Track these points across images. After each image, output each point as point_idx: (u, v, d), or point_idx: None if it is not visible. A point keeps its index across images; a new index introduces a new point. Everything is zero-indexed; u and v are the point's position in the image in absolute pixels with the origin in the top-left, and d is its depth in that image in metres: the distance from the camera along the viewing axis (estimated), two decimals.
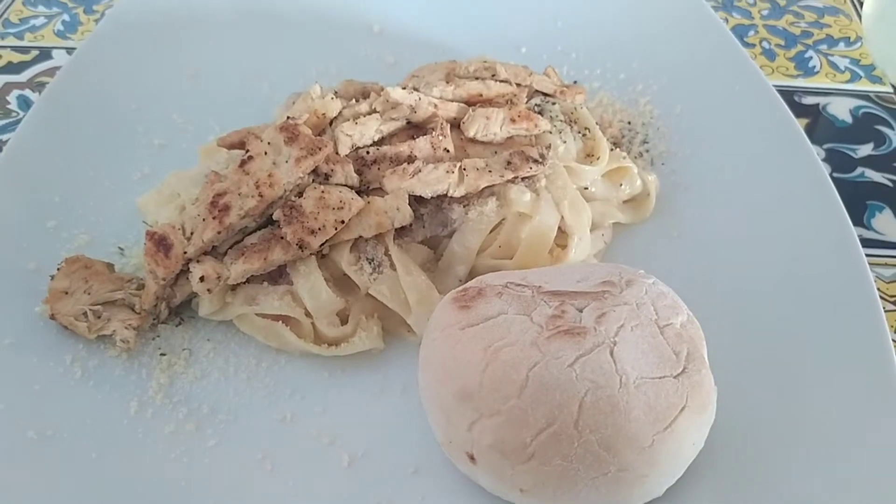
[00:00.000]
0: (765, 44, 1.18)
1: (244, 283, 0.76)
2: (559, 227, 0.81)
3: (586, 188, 0.85)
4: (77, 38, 1.16)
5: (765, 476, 0.66)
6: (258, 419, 0.71)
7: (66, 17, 1.20)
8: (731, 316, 0.75)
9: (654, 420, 0.59)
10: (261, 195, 0.75)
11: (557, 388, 0.58)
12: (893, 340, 0.78)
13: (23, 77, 1.10)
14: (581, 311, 0.63)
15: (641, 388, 0.59)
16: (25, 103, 1.06)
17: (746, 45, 1.17)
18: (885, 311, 0.81)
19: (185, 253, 0.75)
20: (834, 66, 1.14)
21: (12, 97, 1.07)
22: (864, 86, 1.11)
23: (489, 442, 0.60)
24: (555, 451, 0.58)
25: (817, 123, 1.05)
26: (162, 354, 0.75)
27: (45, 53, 1.14)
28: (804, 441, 0.67)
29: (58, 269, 0.77)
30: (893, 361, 0.70)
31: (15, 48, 1.14)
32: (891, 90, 1.10)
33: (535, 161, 0.80)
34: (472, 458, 0.61)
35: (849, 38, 1.19)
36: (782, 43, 1.18)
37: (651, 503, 0.62)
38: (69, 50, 1.13)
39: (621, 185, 0.87)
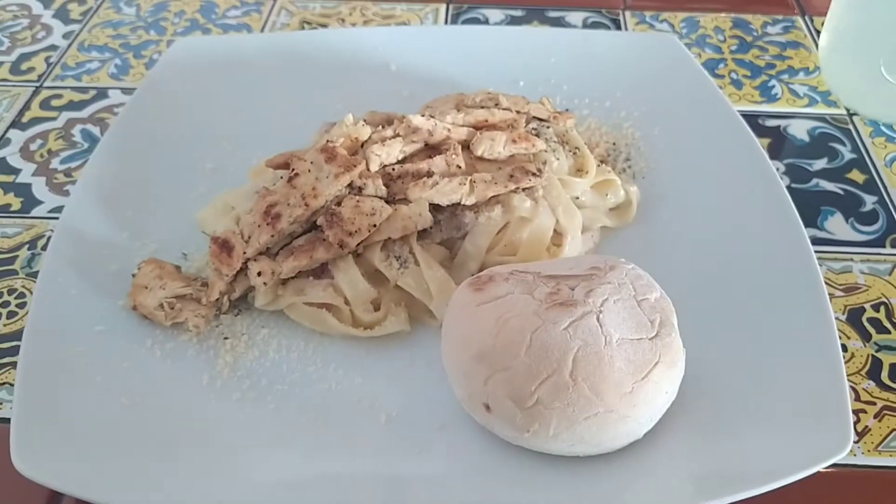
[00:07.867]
0: (733, 74, 1.33)
1: (293, 277, 0.90)
2: (555, 229, 0.94)
3: (577, 197, 0.98)
4: (129, 79, 1.31)
5: (726, 424, 0.79)
6: (309, 388, 0.84)
7: (117, 61, 1.35)
8: (699, 298, 0.87)
9: (634, 371, 0.73)
10: (306, 205, 0.89)
11: (555, 347, 0.72)
12: (837, 319, 0.93)
13: (84, 113, 1.24)
14: (573, 289, 0.77)
15: (622, 346, 0.73)
16: (89, 136, 1.20)
17: (717, 76, 1.32)
18: (835, 298, 0.96)
19: (245, 253, 0.90)
20: (794, 92, 1.29)
21: (76, 131, 1.21)
22: (820, 109, 1.25)
23: (502, 393, 0.73)
24: (554, 396, 0.71)
25: (778, 142, 1.19)
26: (225, 338, 0.89)
27: (101, 93, 1.28)
28: (757, 397, 0.80)
29: (138, 269, 0.92)
30: (835, 333, 0.83)
31: (74, 88, 1.29)
32: (844, 112, 1.24)
33: (534, 174, 0.95)
34: (487, 407, 0.75)
35: (808, 68, 1.34)
36: (748, 74, 1.33)
37: (634, 444, 0.76)
38: (124, 90, 1.28)
39: (607, 194, 1.00)
